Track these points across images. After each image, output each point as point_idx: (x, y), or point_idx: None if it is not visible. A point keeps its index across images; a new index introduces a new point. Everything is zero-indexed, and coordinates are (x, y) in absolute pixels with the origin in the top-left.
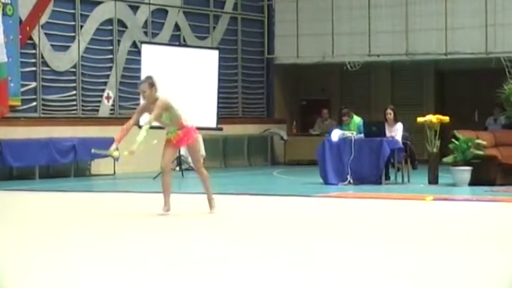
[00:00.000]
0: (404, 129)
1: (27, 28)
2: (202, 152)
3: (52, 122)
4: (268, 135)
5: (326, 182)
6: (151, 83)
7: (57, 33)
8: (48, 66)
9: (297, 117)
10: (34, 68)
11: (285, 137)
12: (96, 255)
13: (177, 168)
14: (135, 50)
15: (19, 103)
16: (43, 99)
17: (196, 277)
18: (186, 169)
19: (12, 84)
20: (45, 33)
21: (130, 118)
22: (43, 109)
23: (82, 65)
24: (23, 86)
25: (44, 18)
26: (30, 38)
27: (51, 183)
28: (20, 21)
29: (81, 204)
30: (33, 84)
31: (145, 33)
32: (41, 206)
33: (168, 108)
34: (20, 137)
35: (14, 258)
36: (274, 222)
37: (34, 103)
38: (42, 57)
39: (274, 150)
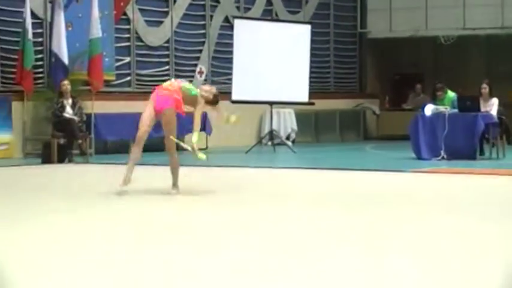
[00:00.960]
0: (500, 104)
1: (121, 3)
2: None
3: (145, 97)
4: (361, 110)
5: (419, 157)
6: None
7: (150, 9)
8: (141, 41)
9: (389, 91)
10: (128, 43)
11: (378, 112)
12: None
13: (269, 142)
14: (228, 25)
15: (113, 78)
16: (137, 74)
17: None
18: (278, 144)
19: (106, 59)
20: (139, 9)
21: (222, 93)
22: (137, 84)
23: (175, 40)
24: (117, 60)
25: None
26: (124, 14)
27: (145, 157)
28: None
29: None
30: (127, 59)
31: (238, 8)
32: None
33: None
34: (114, 111)
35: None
36: (369, 197)
37: (128, 78)
38: (136, 33)
39: (366, 125)
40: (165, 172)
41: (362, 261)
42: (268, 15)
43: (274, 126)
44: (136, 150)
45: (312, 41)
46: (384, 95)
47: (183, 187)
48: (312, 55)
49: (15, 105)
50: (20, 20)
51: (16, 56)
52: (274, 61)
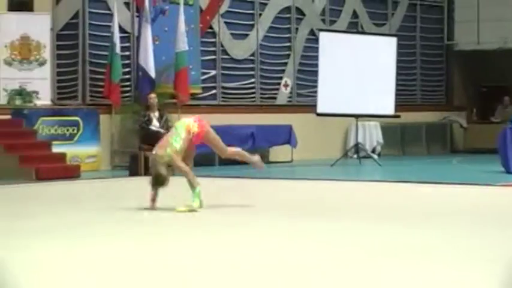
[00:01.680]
0: None
1: (207, 17)
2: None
3: (231, 110)
4: (448, 122)
5: (508, 171)
6: None
7: (236, 22)
8: (227, 54)
9: (476, 104)
10: (214, 56)
11: (465, 125)
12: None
13: (355, 155)
14: (313, 38)
15: (199, 91)
16: (222, 87)
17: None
18: (363, 157)
19: (193, 73)
20: (225, 22)
21: (307, 106)
22: (222, 97)
23: (260, 53)
24: (203, 74)
25: (223, 7)
26: (210, 27)
27: (230, 170)
28: (201, 10)
29: (259, 191)
30: (213, 72)
31: (323, 20)
32: (218, 192)
33: None
34: None
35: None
36: (458, 211)
37: (214, 91)
38: (222, 46)
39: (453, 138)
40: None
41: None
42: (354, 27)
43: (360, 139)
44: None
45: (398, 53)
46: (471, 108)
47: (271, 199)
48: (398, 67)
49: (103, 118)
50: (108, 34)
51: (104, 70)
52: (359, 74)
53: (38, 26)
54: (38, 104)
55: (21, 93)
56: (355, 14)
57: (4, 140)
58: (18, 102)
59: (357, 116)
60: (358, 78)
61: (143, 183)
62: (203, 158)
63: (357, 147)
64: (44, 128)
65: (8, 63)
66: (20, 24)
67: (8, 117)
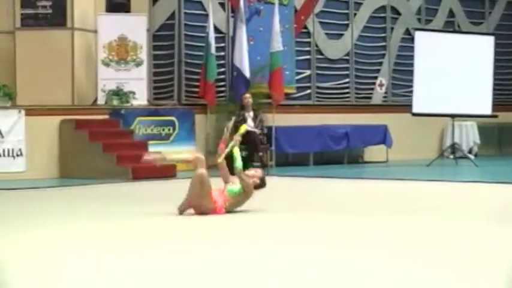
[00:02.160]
0: None
1: (302, 17)
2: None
3: (325, 109)
4: None
5: None
6: None
7: (331, 22)
8: (322, 54)
9: None
10: (308, 56)
11: None
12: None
13: (451, 156)
14: (408, 37)
15: (294, 91)
16: (317, 87)
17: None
18: (460, 157)
19: (287, 72)
20: (319, 22)
21: (402, 106)
22: (317, 97)
23: (355, 52)
24: (297, 74)
25: (318, 7)
26: (305, 27)
27: (325, 170)
28: (295, 10)
29: (352, 192)
30: (308, 72)
31: (419, 20)
32: (313, 192)
33: None
34: (294, 124)
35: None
36: None
37: (308, 91)
38: (317, 46)
39: None
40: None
41: None
42: (450, 26)
43: (456, 139)
44: None
45: (496, 53)
46: None
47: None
48: (496, 67)
49: (199, 118)
50: (204, 35)
51: (199, 70)
52: (455, 73)
53: (135, 27)
54: (134, 104)
55: (118, 93)
56: (451, 13)
57: (102, 139)
58: (115, 102)
59: (453, 116)
60: (454, 78)
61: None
62: (297, 158)
63: (454, 148)
64: (140, 127)
65: (106, 64)
66: (117, 25)
67: (106, 117)
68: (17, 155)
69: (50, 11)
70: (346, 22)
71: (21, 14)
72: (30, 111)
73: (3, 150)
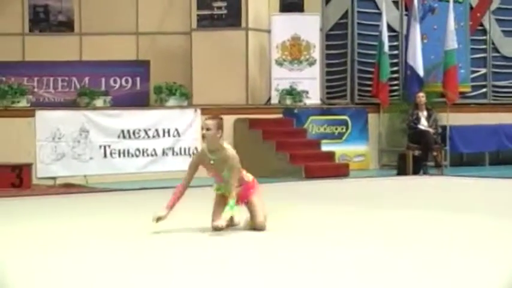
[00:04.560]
0: None
1: (478, 14)
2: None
3: (501, 108)
4: None
5: None
6: (220, 124)
7: (507, 19)
8: (498, 52)
9: None
10: (484, 54)
11: None
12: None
13: None
14: None
15: (468, 89)
16: (493, 86)
17: None
18: None
19: (462, 71)
20: (496, 19)
21: None
22: (493, 95)
23: None
24: (472, 72)
25: (494, 4)
26: (481, 24)
27: (500, 170)
28: (471, 7)
29: None
30: (483, 70)
31: None
32: (485, 193)
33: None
34: (469, 123)
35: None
36: None
37: (484, 89)
38: (493, 43)
39: None
40: None
41: None
42: None
43: None
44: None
45: None
46: None
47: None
48: None
49: (371, 117)
50: (377, 34)
51: (372, 69)
52: None
53: (308, 27)
54: (307, 103)
55: (291, 92)
56: None
57: (276, 138)
58: (288, 101)
59: None
60: None
61: (409, 183)
62: (472, 158)
63: None
64: (313, 126)
65: (279, 63)
66: (290, 25)
67: (280, 116)
68: (193, 153)
69: (225, 12)
70: None
71: (197, 15)
72: (206, 111)
73: (180, 149)
